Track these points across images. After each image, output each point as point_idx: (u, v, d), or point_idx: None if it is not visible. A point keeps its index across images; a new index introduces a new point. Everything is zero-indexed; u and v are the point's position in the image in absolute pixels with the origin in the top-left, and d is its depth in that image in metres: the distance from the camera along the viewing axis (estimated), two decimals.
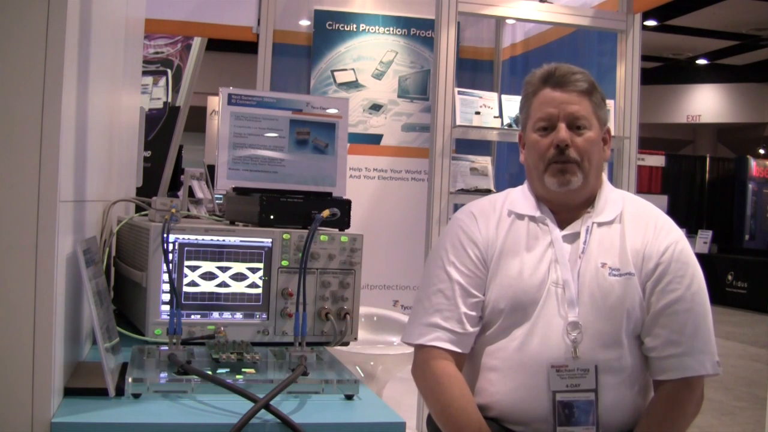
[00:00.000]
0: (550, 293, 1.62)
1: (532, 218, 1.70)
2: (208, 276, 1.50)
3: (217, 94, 1.68)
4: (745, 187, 14.06)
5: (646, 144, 10.68)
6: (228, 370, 1.32)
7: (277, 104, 1.68)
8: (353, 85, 4.93)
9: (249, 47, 5.06)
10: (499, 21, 5.10)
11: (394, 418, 1.22)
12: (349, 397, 1.29)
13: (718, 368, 1.61)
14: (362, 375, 2.96)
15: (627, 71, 3.80)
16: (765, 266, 10.78)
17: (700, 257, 1.78)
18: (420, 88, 5.01)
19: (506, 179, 4.85)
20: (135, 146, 2.45)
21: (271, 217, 1.57)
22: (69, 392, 1.19)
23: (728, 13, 10.03)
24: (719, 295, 10.37)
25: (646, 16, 4.07)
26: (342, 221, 1.60)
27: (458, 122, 3.60)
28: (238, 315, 1.52)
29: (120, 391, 1.19)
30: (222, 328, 1.49)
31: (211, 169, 1.79)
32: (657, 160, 11.79)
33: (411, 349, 1.73)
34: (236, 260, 1.52)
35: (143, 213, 1.91)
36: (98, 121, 1.49)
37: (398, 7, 5.01)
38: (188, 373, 1.25)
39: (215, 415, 1.16)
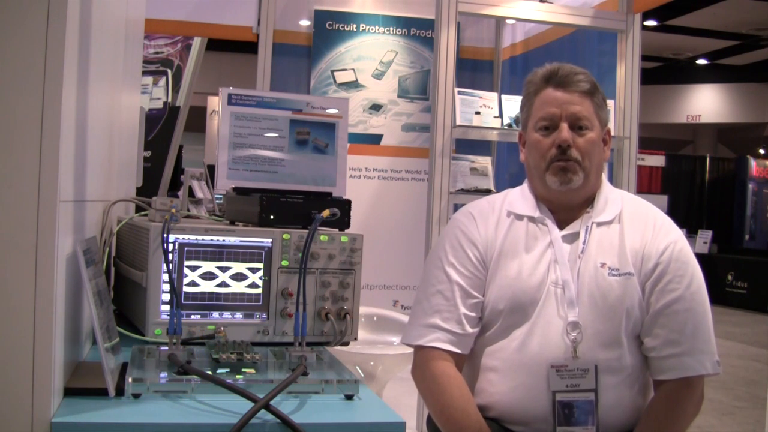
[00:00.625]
0: (550, 293, 1.62)
1: (531, 218, 1.70)
2: (208, 276, 1.50)
3: (217, 94, 1.68)
4: (745, 187, 14.06)
5: (646, 144, 10.68)
6: (228, 370, 1.32)
7: (277, 104, 1.68)
8: (353, 85, 4.93)
9: (249, 47, 5.06)
10: (499, 21, 5.10)
11: (394, 418, 1.22)
12: (349, 397, 1.29)
13: (718, 368, 1.61)
14: (362, 375, 2.96)
15: (627, 71, 3.81)
16: (765, 266, 10.78)
17: (700, 257, 1.78)
18: (420, 88, 5.01)
19: (506, 179, 4.85)
20: (135, 146, 2.45)
21: (271, 217, 1.57)
22: (69, 392, 1.19)
23: (728, 13, 10.03)
24: (719, 295, 10.37)
25: (646, 16, 4.07)
26: (342, 221, 1.60)
27: (458, 122, 3.60)
28: (238, 315, 1.52)
29: (120, 391, 1.19)
30: (222, 328, 1.49)
31: (211, 169, 1.79)
32: (657, 160, 11.79)
33: (411, 349, 1.73)
34: (236, 260, 1.52)
35: (143, 213, 1.91)
36: (98, 121, 1.49)
37: (398, 7, 5.01)
38: (188, 373, 1.25)
39: (215, 415, 1.16)
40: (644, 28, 3.98)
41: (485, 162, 3.82)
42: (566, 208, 1.70)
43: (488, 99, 3.73)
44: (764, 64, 12.83)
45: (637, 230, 1.67)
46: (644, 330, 1.63)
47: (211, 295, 1.51)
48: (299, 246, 1.54)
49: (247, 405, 1.14)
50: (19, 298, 1.06)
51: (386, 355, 3.01)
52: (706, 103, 14.64)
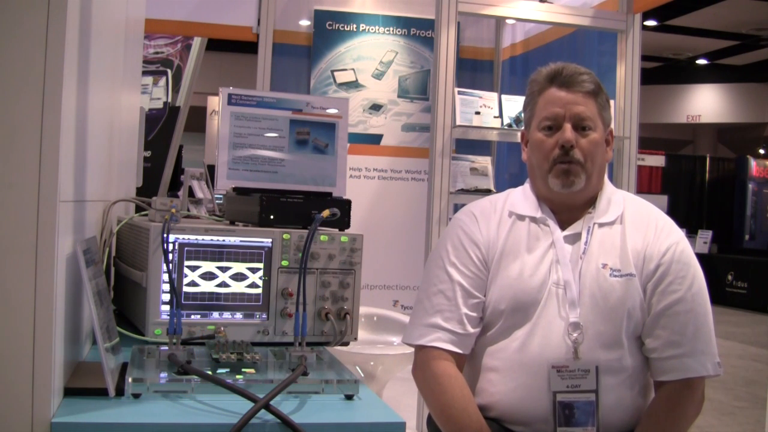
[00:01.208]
0: (551, 294, 1.62)
1: (533, 219, 1.70)
2: (208, 276, 1.50)
3: (217, 94, 1.68)
4: (745, 187, 14.05)
5: (646, 144, 10.69)
6: (228, 370, 1.32)
7: (277, 104, 1.68)
8: (353, 85, 4.93)
9: (249, 47, 5.06)
10: (499, 21, 5.10)
11: (394, 418, 1.22)
12: (349, 397, 1.29)
13: (719, 369, 1.61)
14: (362, 375, 2.96)
15: (627, 71, 3.81)
16: (765, 266, 10.78)
17: (700, 257, 1.78)
18: (420, 88, 5.01)
19: (506, 179, 4.85)
20: (135, 146, 2.45)
21: (271, 217, 1.57)
22: (69, 392, 1.19)
23: (728, 13, 10.02)
24: (719, 295, 10.37)
25: (646, 16, 4.07)
26: (342, 221, 1.60)
27: (458, 122, 3.60)
28: (238, 315, 1.52)
29: (120, 391, 1.19)
30: (222, 328, 1.49)
31: (211, 169, 1.79)
32: (657, 160, 11.80)
33: (411, 349, 1.73)
34: (236, 260, 1.52)
35: (143, 213, 1.91)
36: (98, 121, 1.49)
37: (398, 7, 5.01)
38: (188, 373, 1.25)
39: (215, 415, 1.16)
40: (644, 28, 3.98)
41: (485, 162, 3.82)
42: (568, 208, 1.70)
43: (488, 99, 3.73)
44: (764, 64, 12.82)
45: (638, 231, 1.67)
46: (645, 331, 1.63)
47: (211, 295, 1.51)
48: (299, 246, 1.54)
49: (247, 405, 1.14)
50: (19, 298, 1.06)
51: (386, 355, 3.01)
52: (706, 103, 14.64)
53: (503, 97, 3.76)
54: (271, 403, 1.16)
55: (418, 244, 4.03)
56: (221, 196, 1.82)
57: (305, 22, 4.97)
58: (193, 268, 1.49)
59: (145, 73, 4.62)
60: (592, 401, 1.58)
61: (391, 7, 5.01)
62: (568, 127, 1.64)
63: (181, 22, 4.79)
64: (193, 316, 1.49)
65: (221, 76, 10.19)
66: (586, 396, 1.58)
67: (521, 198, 1.75)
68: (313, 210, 1.53)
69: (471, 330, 1.65)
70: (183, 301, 1.48)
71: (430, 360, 1.65)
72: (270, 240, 1.53)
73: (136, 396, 1.20)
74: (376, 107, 4.95)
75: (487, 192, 3.68)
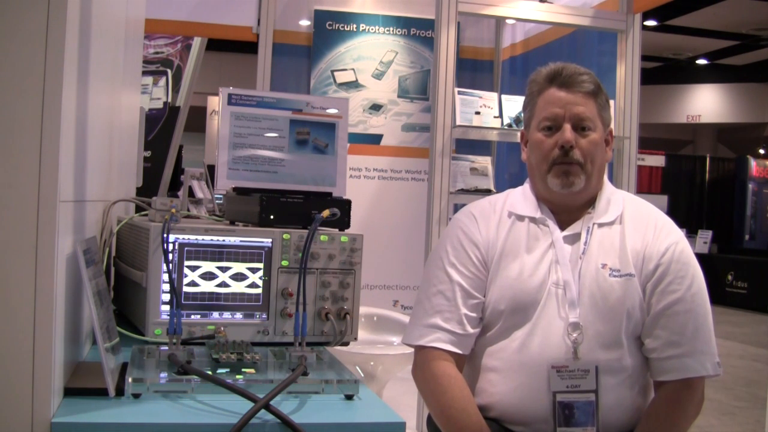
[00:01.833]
0: (551, 294, 1.62)
1: (533, 219, 1.70)
2: (208, 276, 1.50)
3: (217, 94, 1.68)
4: (745, 187, 14.05)
5: (646, 144, 10.68)
6: (228, 370, 1.32)
7: (277, 104, 1.68)
8: (353, 85, 4.93)
9: (249, 47, 5.06)
10: (499, 21, 5.10)
11: (394, 418, 1.22)
12: (349, 397, 1.29)
13: (718, 369, 1.61)
14: (362, 375, 2.96)
15: (627, 71, 3.81)
16: (765, 266, 10.78)
17: (700, 257, 1.78)
18: (420, 88, 5.01)
19: (506, 179, 4.85)
20: (135, 146, 2.45)
21: (271, 217, 1.57)
22: (69, 392, 1.19)
23: (728, 13, 10.02)
24: (719, 295, 10.37)
25: (646, 16, 4.07)
26: (342, 221, 1.60)
27: (458, 122, 3.60)
28: (238, 315, 1.52)
29: (120, 391, 1.19)
30: (222, 328, 1.49)
31: (211, 169, 1.79)
32: (657, 160, 11.80)
33: (411, 349, 1.73)
34: (236, 260, 1.52)
35: (143, 213, 1.91)
36: (98, 121, 1.49)
37: (398, 7, 5.01)
38: (188, 373, 1.25)
39: (215, 415, 1.16)
40: (644, 28, 3.98)
41: (485, 162, 3.82)
42: (568, 208, 1.70)
43: (488, 99, 3.73)
44: (764, 64, 12.83)
45: (638, 231, 1.67)
46: (645, 331, 1.63)
47: (211, 295, 1.51)
48: (299, 246, 1.54)
49: (247, 405, 1.14)
50: (19, 298, 1.06)
51: (386, 355, 3.01)
52: (706, 103, 14.64)
53: (503, 97, 3.76)
54: (271, 403, 1.16)
55: (418, 244, 4.03)
56: (221, 196, 1.82)
57: (305, 22, 4.97)
58: (193, 268, 1.49)
59: (145, 73, 4.62)
60: (591, 401, 1.58)
61: (391, 7, 5.01)
62: (567, 127, 1.64)
63: (181, 22, 4.79)
64: (193, 316, 1.49)
65: (221, 76, 10.20)
66: (586, 396, 1.58)
67: (521, 198, 1.75)
68: (313, 210, 1.53)
69: (471, 330, 1.65)
70: (183, 301, 1.48)
71: (430, 360, 1.65)
72: (270, 240, 1.53)
73: (136, 396, 1.20)
74: (376, 107, 4.95)
75: (487, 192, 3.68)
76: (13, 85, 1.06)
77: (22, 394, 1.06)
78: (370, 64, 4.96)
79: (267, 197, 1.58)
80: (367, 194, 4.86)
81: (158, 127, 5.15)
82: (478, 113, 3.66)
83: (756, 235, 14.03)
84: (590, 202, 1.71)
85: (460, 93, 3.65)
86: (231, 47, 8.66)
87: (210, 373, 1.26)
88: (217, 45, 7.14)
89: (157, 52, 5.35)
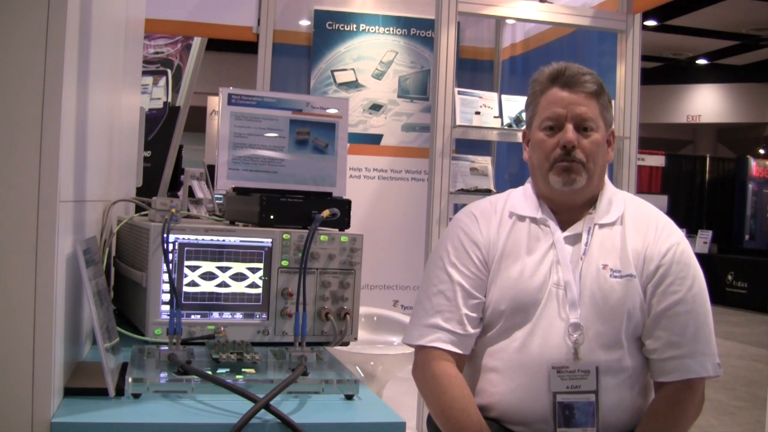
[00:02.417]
0: (551, 295, 1.62)
1: (534, 220, 1.70)
2: (208, 276, 1.50)
3: (217, 94, 1.68)
4: (745, 187, 14.05)
5: (646, 144, 10.68)
6: (228, 370, 1.32)
7: (277, 104, 1.68)
8: (353, 85, 4.93)
9: (249, 47, 5.06)
10: (499, 21, 5.10)
11: (394, 418, 1.22)
12: (349, 397, 1.29)
13: (719, 370, 1.61)
14: (362, 375, 2.96)
15: (627, 71, 3.81)
16: (765, 266, 10.78)
17: (700, 257, 1.78)
18: (420, 88, 5.00)
19: (506, 179, 4.85)
20: (135, 146, 2.45)
21: (271, 217, 1.57)
22: (69, 392, 1.18)
23: (728, 13, 10.03)
24: (719, 295, 10.37)
25: (646, 16, 4.07)
26: (342, 221, 1.60)
27: (458, 122, 3.60)
28: (238, 315, 1.52)
29: (120, 391, 1.19)
30: (222, 328, 1.49)
31: (211, 169, 1.79)
32: (657, 160, 11.79)
33: (411, 349, 1.73)
34: (236, 260, 1.52)
35: (143, 213, 1.91)
36: (98, 121, 1.49)
37: (398, 7, 5.01)
38: (188, 373, 1.25)
39: (215, 415, 1.16)
40: (644, 28, 3.97)
41: (485, 162, 3.82)
42: (569, 208, 1.70)
43: (488, 99, 3.73)
44: (764, 64, 12.83)
45: (639, 232, 1.67)
46: (645, 332, 1.62)
47: (211, 295, 1.51)
48: (299, 246, 1.54)
49: (247, 405, 1.14)
50: (19, 298, 1.06)
51: (386, 355, 3.01)
52: (706, 103, 14.64)
53: (503, 97, 3.76)
54: (271, 403, 1.16)
55: (418, 244, 4.03)
56: (221, 196, 1.82)
57: (305, 22, 4.97)
58: (193, 268, 1.49)
59: (145, 73, 4.63)
60: (592, 402, 1.58)
61: (391, 7, 5.00)
62: (569, 127, 1.64)
63: (181, 22, 4.79)
64: (193, 316, 1.49)
65: (221, 76, 10.16)
66: (586, 397, 1.58)
67: (522, 198, 1.74)
68: (313, 210, 1.53)
69: (471, 330, 1.65)
70: (183, 301, 1.48)
71: (430, 360, 1.65)
72: (270, 240, 1.53)
73: (136, 396, 1.20)
74: (376, 107, 4.95)
75: (487, 192, 3.68)
76: (13, 85, 1.06)
77: (22, 394, 1.06)
78: (370, 64, 4.96)
79: (267, 197, 1.58)
80: (367, 194, 4.86)
81: (158, 127, 5.16)
82: (478, 113, 3.66)
83: (756, 235, 14.03)
84: (591, 203, 1.71)
85: (460, 93, 3.65)
86: (231, 47, 8.66)
87: (210, 373, 1.26)
88: (217, 45, 7.14)
89: (157, 52, 5.35)
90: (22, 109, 1.06)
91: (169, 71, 5.33)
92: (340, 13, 4.93)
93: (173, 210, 1.47)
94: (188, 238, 1.49)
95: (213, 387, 1.22)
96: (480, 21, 5.13)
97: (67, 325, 1.20)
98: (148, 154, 4.74)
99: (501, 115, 3.70)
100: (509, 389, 1.61)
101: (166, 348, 1.33)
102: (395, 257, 4.80)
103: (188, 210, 2.21)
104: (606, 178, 1.75)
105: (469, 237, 1.70)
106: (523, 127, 1.81)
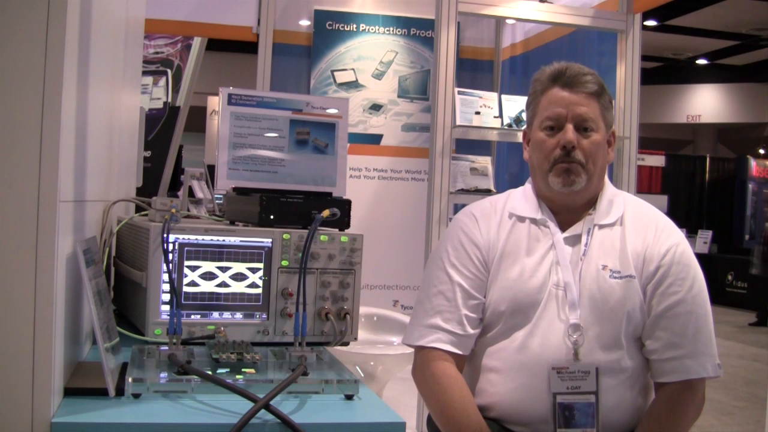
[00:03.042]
0: (551, 295, 1.62)
1: (533, 220, 1.70)
2: (208, 276, 1.50)
3: (217, 94, 1.68)
4: (745, 187, 14.05)
5: (646, 144, 10.65)
6: (228, 370, 1.32)
7: (277, 104, 1.68)
8: (353, 85, 4.93)
9: (249, 47, 5.06)
10: (499, 21, 5.10)
11: (394, 418, 1.22)
12: (349, 397, 1.29)
13: (719, 370, 1.61)
14: (362, 375, 2.96)
15: (627, 71, 3.81)
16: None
17: (700, 257, 1.78)
18: (420, 88, 5.01)
19: (506, 179, 4.85)
20: (135, 146, 2.45)
21: (271, 217, 1.57)
22: (69, 392, 1.19)
23: (728, 13, 10.03)
24: (719, 295, 10.37)
25: (646, 16, 4.07)
26: (342, 221, 1.60)
27: (458, 122, 3.60)
28: (238, 315, 1.52)
29: (120, 391, 1.19)
30: (222, 328, 1.49)
31: (211, 169, 1.79)
32: (657, 160, 11.76)
33: (411, 349, 1.73)
34: (236, 260, 1.52)
35: (143, 213, 1.91)
36: (98, 121, 1.49)
37: (398, 7, 5.01)
38: (188, 373, 1.25)
39: (215, 415, 1.16)
40: (644, 28, 3.98)
41: (485, 162, 3.82)
42: (568, 209, 1.70)
43: (488, 99, 3.73)
44: (764, 64, 12.83)
45: (638, 233, 1.67)
46: (645, 333, 1.62)
47: (211, 295, 1.51)
48: (299, 246, 1.54)
49: (247, 405, 1.14)
50: (19, 298, 1.06)
51: (386, 355, 3.01)
52: (706, 103, 14.64)
53: (503, 97, 3.76)
54: (271, 403, 1.16)
55: (418, 244, 4.03)
56: (221, 196, 1.82)
57: (305, 22, 4.97)
58: (193, 268, 1.49)
59: (145, 73, 4.63)
60: (592, 402, 1.58)
61: (391, 7, 5.00)
62: (570, 127, 1.64)
63: (181, 22, 4.79)
64: (193, 316, 1.49)
65: (221, 76, 10.19)
66: (586, 397, 1.57)
67: (521, 199, 1.74)
68: (313, 210, 1.53)
69: (471, 331, 1.65)
70: (183, 301, 1.48)
71: (430, 361, 1.65)
72: (270, 240, 1.53)
73: (136, 396, 1.20)
74: (376, 107, 4.95)
75: (487, 192, 3.68)
76: (13, 85, 1.06)
77: (22, 394, 1.06)
78: (370, 64, 4.96)
79: (267, 197, 1.58)
80: (367, 194, 4.86)
81: (158, 127, 5.16)
82: (478, 113, 3.66)
83: (756, 235, 14.01)
84: (591, 203, 1.70)
85: (460, 93, 3.65)
86: (231, 47, 8.65)
87: (210, 373, 1.26)
88: (217, 45, 7.14)
89: (157, 52, 5.35)
90: (22, 109, 1.06)
91: (169, 71, 5.33)
92: (340, 13, 4.93)
93: (173, 210, 1.47)
94: (188, 238, 1.49)
95: (213, 387, 1.22)
96: (480, 21, 5.13)
97: (67, 325, 1.20)
98: (148, 154, 4.75)
99: (501, 115, 3.70)
100: (509, 389, 1.61)
101: (166, 348, 1.33)
102: (395, 257, 4.80)
103: (188, 210, 2.21)
104: (606, 178, 1.75)
105: (469, 237, 1.70)
106: (524, 127, 1.81)
